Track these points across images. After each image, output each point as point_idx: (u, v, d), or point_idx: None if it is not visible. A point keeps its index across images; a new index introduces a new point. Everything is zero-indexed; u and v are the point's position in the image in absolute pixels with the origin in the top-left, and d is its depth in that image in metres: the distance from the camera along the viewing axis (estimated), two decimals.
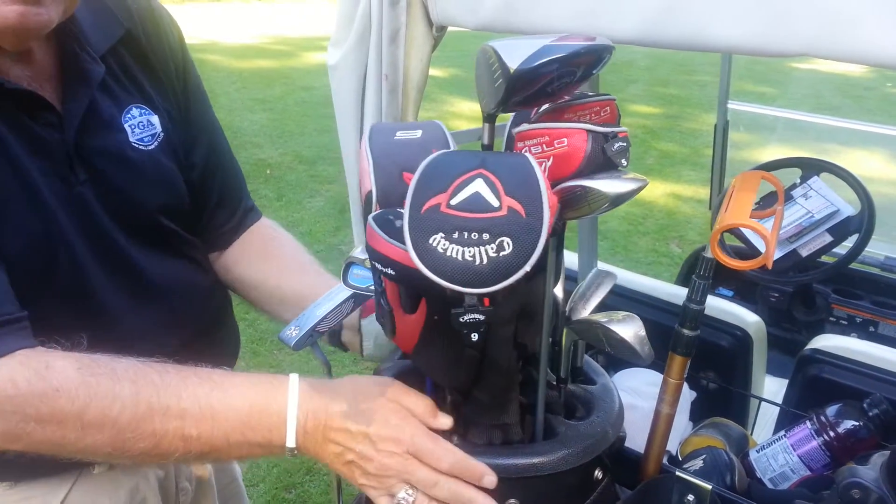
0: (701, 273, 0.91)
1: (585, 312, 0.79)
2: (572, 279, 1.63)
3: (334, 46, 1.28)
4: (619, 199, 0.68)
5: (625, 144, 0.71)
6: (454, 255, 0.57)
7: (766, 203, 1.36)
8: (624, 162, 0.71)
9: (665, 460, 0.98)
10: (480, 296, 0.60)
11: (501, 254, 0.57)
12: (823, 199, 1.88)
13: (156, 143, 0.98)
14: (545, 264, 0.74)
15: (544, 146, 0.74)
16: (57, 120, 0.87)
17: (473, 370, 0.77)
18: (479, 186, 0.60)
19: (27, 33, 0.80)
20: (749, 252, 1.88)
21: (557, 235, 0.75)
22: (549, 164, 0.74)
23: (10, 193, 0.82)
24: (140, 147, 0.96)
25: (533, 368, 0.85)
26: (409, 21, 1.25)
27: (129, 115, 0.96)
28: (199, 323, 1.07)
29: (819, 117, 3.04)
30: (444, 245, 0.58)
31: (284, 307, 1.09)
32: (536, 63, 0.69)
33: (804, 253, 1.87)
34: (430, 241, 0.58)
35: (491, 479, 0.74)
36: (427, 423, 0.76)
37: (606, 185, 0.67)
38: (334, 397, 0.75)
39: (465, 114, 6.97)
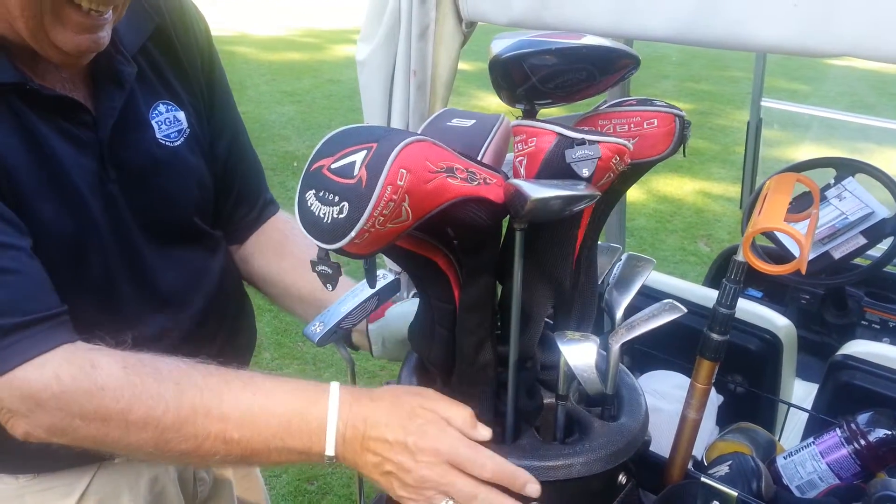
0: (732, 277, 0.89)
1: (625, 301, 0.78)
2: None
3: (363, 42, 1.28)
4: (541, 206, 0.66)
5: (590, 153, 0.69)
6: (314, 211, 0.63)
7: (800, 204, 1.33)
8: (585, 172, 0.69)
9: (690, 465, 0.97)
10: (327, 251, 0.65)
11: (339, 216, 0.62)
12: (858, 201, 1.84)
13: (182, 140, 0.99)
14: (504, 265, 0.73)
15: (521, 144, 0.75)
16: (91, 119, 0.89)
17: (443, 350, 0.81)
18: (357, 156, 0.64)
19: (88, 56, 0.85)
20: (780, 253, 1.85)
21: (523, 232, 0.73)
22: (525, 161, 0.74)
23: (46, 194, 0.84)
24: (166, 143, 0.97)
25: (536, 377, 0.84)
26: (438, 17, 1.25)
27: (156, 112, 0.97)
28: (216, 319, 1.07)
29: (854, 116, 2.96)
30: (311, 200, 0.64)
31: (300, 304, 1.10)
32: (511, 53, 0.73)
33: (837, 255, 1.83)
34: (306, 195, 0.64)
35: (534, 488, 0.73)
36: (466, 434, 0.75)
37: (531, 188, 0.66)
38: (373, 407, 0.75)
39: (491, 108, 6.94)
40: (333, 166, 0.64)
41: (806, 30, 0.84)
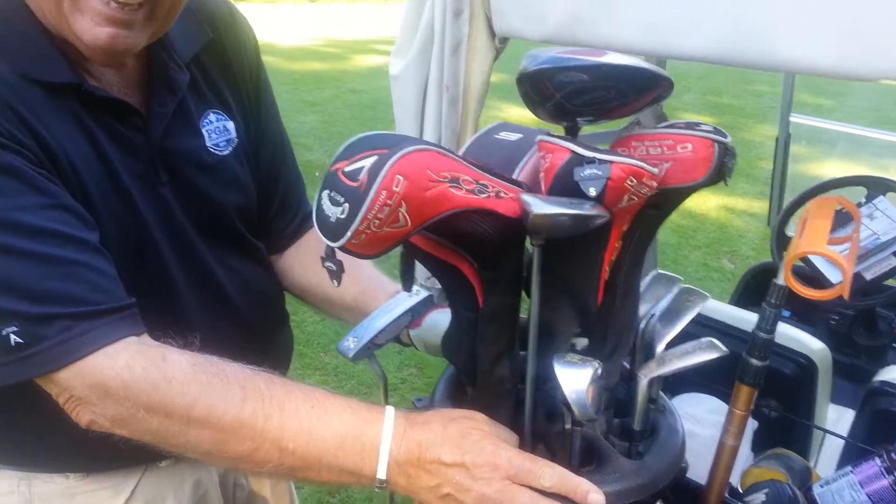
0: (772, 301, 0.88)
1: (668, 335, 0.77)
2: None
3: (396, 57, 1.28)
4: (547, 222, 0.67)
5: (598, 173, 0.69)
6: (325, 210, 0.67)
7: (834, 225, 1.31)
8: (592, 191, 0.69)
9: (726, 493, 0.95)
10: (332, 248, 0.69)
11: (341, 217, 0.66)
12: (890, 221, 1.81)
13: (230, 149, 1.01)
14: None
15: (542, 160, 0.75)
16: (143, 124, 0.90)
17: (467, 359, 0.82)
18: (367, 162, 0.66)
19: (115, 54, 0.84)
20: (811, 274, 1.81)
21: (541, 249, 0.72)
22: (543, 177, 0.74)
23: (105, 192, 0.86)
24: (215, 152, 0.99)
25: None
26: (471, 32, 1.25)
27: (207, 121, 0.99)
28: (262, 325, 1.09)
29: (883, 133, 2.92)
30: (324, 200, 0.67)
31: (343, 312, 1.11)
32: (534, 69, 0.73)
33: (868, 276, 1.79)
34: (322, 194, 0.68)
35: (597, 497, 0.71)
36: None
37: (535, 203, 0.67)
38: (425, 430, 0.74)
39: (512, 118, 6.93)
40: (346, 169, 0.67)
41: (851, 54, 0.83)
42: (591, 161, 0.69)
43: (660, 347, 0.81)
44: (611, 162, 0.69)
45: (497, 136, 0.83)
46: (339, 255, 0.70)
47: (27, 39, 0.81)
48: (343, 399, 0.79)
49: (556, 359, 0.73)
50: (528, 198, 0.68)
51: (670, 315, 0.82)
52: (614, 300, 0.82)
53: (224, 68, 1.02)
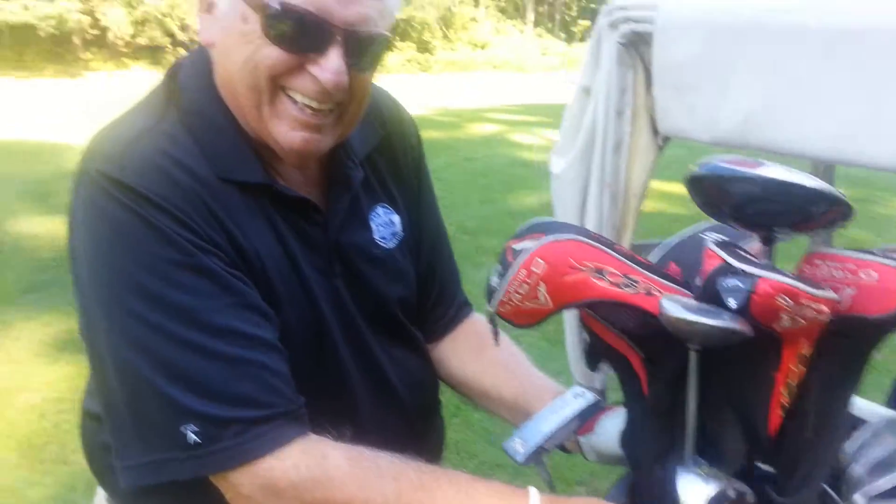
0: None
1: (871, 487, 0.72)
2: None
3: (557, 156, 1.32)
4: (674, 325, 0.67)
5: (741, 286, 0.67)
6: (491, 277, 0.76)
7: None
8: (731, 302, 0.67)
9: None
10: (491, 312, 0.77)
11: (495, 286, 0.75)
12: None
13: (395, 242, 1.05)
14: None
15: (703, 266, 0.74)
16: (322, 220, 0.96)
17: (632, 453, 0.83)
18: (528, 243, 0.74)
19: (307, 155, 0.91)
20: None
21: (698, 354, 0.71)
22: None
23: (289, 286, 0.91)
24: (382, 244, 1.03)
25: None
26: (633, 131, 1.27)
27: (375, 214, 1.03)
28: (420, 413, 1.10)
29: None
30: (494, 269, 0.76)
31: (503, 409, 1.11)
32: (696, 174, 0.74)
33: None
34: (496, 265, 0.76)
35: None
36: None
37: (669, 305, 0.67)
38: None
39: None
40: (514, 247, 0.75)
41: None
42: (736, 272, 0.68)
43: (857, 496, 0.75)
44: (757, 276, 0.66)
45: (702, 236, 0.84)
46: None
47: (231, 145, 0.89)
48: (485, 483, 0.82)
49: (682, 466, 0.72)
50: (667, 299, 0.68)
51: (883, 465, 0.76)
52: (802, 430, 0.77)
53: (392, 163, 1.07)
